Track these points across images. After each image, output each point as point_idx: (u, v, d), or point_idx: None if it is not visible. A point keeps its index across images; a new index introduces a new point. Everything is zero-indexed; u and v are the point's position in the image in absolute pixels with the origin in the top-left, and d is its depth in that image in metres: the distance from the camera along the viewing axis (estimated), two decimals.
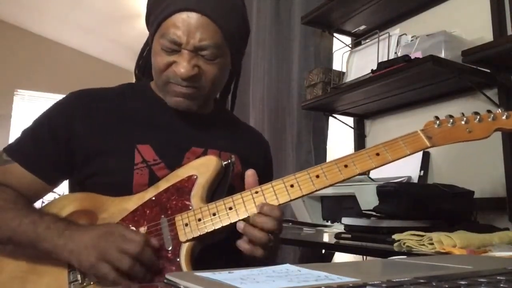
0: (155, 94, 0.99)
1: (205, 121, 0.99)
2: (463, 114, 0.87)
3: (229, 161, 0.89)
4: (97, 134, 0.90)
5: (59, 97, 0.97)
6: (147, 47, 1.00)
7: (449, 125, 0.86)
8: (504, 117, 0.86)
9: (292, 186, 0.81)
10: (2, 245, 0.82)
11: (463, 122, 0.86)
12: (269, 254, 0.80)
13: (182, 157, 0.91)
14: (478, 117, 0.86)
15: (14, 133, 4.34)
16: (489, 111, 0.87)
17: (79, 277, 0.77)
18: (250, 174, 0.85)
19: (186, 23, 0.85)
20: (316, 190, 0.81)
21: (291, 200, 0.81)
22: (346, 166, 0.82)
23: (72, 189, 0.95)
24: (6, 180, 0.86)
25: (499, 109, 0.87)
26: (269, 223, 0.77)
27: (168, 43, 0.86)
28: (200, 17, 0.86)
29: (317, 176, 0.81)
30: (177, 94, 0.90)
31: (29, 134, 0.91)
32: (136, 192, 0.86)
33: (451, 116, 0.87)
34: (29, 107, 4.62)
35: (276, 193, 0.81)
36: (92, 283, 0.77)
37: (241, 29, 0.95)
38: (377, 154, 0.83)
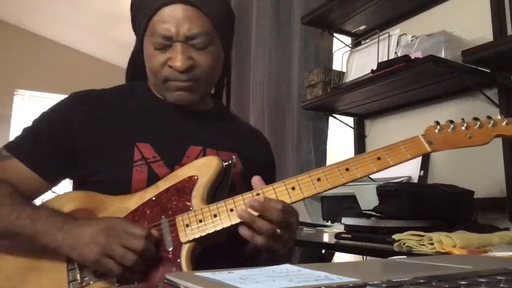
0: (153, 94, 1.00)
1: (204, 119, 0.99)
2: (463, 119, 0.88)
3: (230, 161, 0.88)
4: (97, 133, 0.90)
5: (59, 97, 0.97)
6: (136, 53, 1.02)
7: (449, 130, 0.87)
8: (504, 124, 0.86)
9: (293, 188, 0.81)
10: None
11: (463, 128, 0.86)
12: (277, 246, 0.79)
13: (181, 155, 0.91)
14: (479, 123, 0.87)
15: (14, 133, 4.31)
16: (489, 117, 0.88)
17: (78, 276, 0.77)
18: (256, 180, 0.84)
19: (173, 16, 0.87)
20: (318, 193, 0.82)
21: (292, 203, 0.81)
22: (347, 169, 0.82)
23: (73, 187, 0.96)
24: (5, 176, 0.86)
25: (499, 115, 0.88)
26: (273, 214, 0.76)
27: (159, 39, 0.88)
28: (186, 7, 0.87)
29: (319, 179, 0.81)
30: (177, 88, 0.91)
31: (29, 131, 0.92)
32: (135, 189, 0.86)
33: (451, 122, 0.88)
34: (29, 107, 4.60)
35: (277, 195, 0.81)
36: (91, 282, 0.77)
37: (229, 14, 0.97)
38: (379, 158, 0.83)
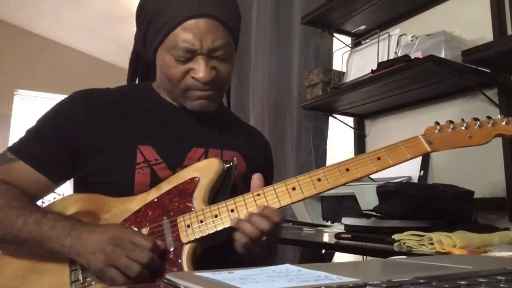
0: (157, 94, 0.99)
1: (206, 120, 0.99)
2: (463, 120, 0.88)
3: (231, 163, 0.89)
4: (100, 134, 0.90)
5: (59, 97, 0.97)
6: (136, 57, 1.03)
7: (449, 130, 0.87)
8: (504, 123, 0.86)
9: (294, 189, 0.81)
10: (7, 244, 0.82)
11: (463, 128, 0.87)
12: (262, 252, 0.82)
13: (184, 157, 0.91)
14: (478, 122, 0.87)
15: (14, 133, 4.34)
16: (489, 117, 0.88)
17: (80, 277, 0.78)
18: (256, 178, 0.85)
19: (196, 30, 0.86)
20: (318, 193, 0.82)
21: (293, 203, 0.82)
22: (347, 169, 0.82)
23: (75, 189, 0.96)
24: (11, 179, 0.86)
25: (499, 115, 0.88)
26: (266, 225, 0.78)
27: (182, 53, 0.87)
28: (207, 20, 0.86)
29: (319, 180, 0.82)
30: (199, 97, 0.91)
31: (34, 132, 0.91)
32: (138, 192, 0.86)
33: (451, 122, 0.88)
34: (29, 107, 4.61)
35: (278, 195, 0.81)
36: (93, 283, 0.77)
37: (239, 21, 0.97)
38: (378, 158, 0.83)
